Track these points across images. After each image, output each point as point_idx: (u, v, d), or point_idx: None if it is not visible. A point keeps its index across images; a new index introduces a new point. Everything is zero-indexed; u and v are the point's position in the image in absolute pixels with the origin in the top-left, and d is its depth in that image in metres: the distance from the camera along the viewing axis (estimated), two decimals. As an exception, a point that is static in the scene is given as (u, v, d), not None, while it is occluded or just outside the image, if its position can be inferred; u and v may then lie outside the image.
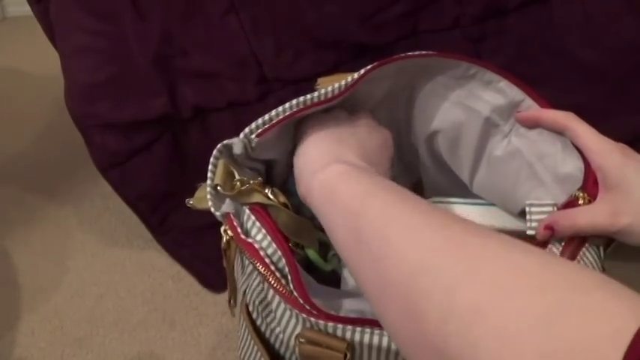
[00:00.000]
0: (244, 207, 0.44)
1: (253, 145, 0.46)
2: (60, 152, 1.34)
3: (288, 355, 0.45)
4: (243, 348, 0.50)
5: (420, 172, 0.66)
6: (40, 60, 1.39)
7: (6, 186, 1.26)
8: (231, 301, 0.50)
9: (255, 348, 0.47)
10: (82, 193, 1.21)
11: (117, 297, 1.00)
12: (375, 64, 0.49)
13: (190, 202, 0.46)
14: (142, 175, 0.88)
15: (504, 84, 0.53)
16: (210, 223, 0.48)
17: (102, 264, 1.06)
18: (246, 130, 0.46)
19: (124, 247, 1.09)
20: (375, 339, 0.39)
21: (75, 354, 0.92)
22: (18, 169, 1.32)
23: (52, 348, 0.93)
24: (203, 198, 0.44)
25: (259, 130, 0.47)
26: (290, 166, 0.49)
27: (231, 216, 0.43)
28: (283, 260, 0.42)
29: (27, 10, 0.93)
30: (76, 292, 1.02)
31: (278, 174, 0.52)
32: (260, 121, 0.47)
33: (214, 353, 0.90)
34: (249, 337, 0.48)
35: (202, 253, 0.96)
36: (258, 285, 0.46)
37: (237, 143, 0.45)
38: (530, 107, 0.52)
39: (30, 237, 1.13)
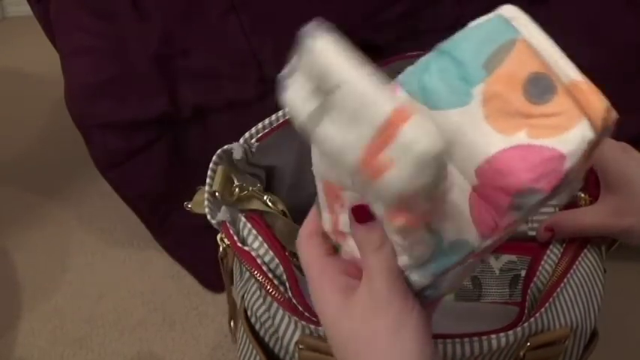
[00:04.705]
0: (240, 215, 0.44)
1: (253, 149, 0.46)
2: (60, 152, 1.33)
3: (287, 359, 0.45)
4: (242, 350, 0.50)
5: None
6: (40, 60, 1.38)
7: (6, 186, 1.26)
8: (232, 324, 0.49)
9: (254, 352, 0.47)
10: (82, 193, 1.21)
11: (117, 297, 1.00)
12: (374, 64, 0.49)
13: (189, 205, 0.46)
14: (142, 175, 0.88)
15: None
16: (210, 224, 0.48)
17: (102, 264, 1.06)
18: (246, 135, 0.46)
19: (124, 247, 1.09)
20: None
21: (75, 354, 0.92)
22: (18, 169, 1.31)
23: (52, 348, 0.93)
24: (201, 202, 0.44)
25: (259, 135, 0.47)
26: (291, 172, 0.49)
27: (227, 224, 0.43)
28: (281, 267, 0.42)
29: (27, 10, 0.93)
30: (76, 292, 1.01)
31: (278, 180, 0.52)
32: (260, 125, 0.47)
33: (214, 353, 0.90)
34: (247, 341, 0.48)
35: (203, 254, 0.95)
36: (255, 291, 0.45)
37: (237, 148, 0.45)
38: None
39: (30, 237, 1.13)
